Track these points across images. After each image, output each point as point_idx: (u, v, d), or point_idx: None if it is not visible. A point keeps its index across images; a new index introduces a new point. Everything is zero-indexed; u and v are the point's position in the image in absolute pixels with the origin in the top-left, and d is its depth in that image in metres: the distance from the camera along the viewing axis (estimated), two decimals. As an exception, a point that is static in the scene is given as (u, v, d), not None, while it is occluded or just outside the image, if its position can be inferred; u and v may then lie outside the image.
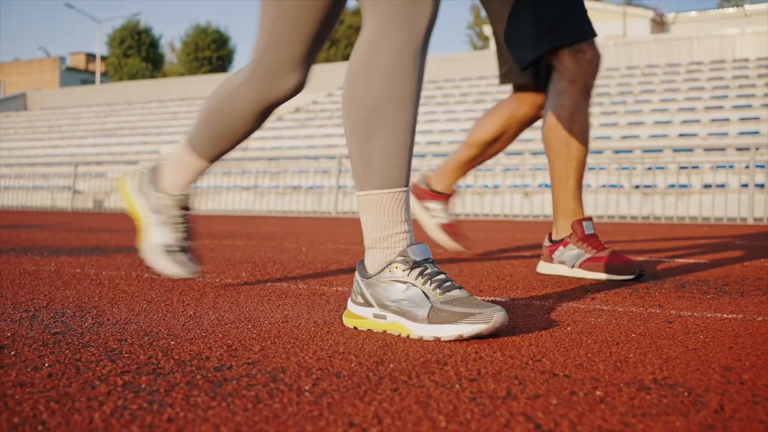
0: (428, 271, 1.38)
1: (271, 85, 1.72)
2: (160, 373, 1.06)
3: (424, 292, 1.36)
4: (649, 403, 0.93)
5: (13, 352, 1.19)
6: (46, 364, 1.11)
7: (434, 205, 2.95)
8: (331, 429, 0.82)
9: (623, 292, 2.01)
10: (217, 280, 2.22)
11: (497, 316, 1.31)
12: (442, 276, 1.39)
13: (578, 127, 2.42)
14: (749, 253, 3.52)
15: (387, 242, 1.42)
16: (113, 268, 2.55)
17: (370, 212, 1.42)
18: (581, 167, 2.46)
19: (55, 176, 18.14)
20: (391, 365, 1.13)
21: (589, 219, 2.45)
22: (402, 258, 1.39)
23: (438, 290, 1.36)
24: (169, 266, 1.89)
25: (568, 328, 1.45)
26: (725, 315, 1.63)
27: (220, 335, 1.35)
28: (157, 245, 1.91)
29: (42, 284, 2.06)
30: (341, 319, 1.54)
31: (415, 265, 1.39)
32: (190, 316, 1.56)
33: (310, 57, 1.70)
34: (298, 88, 1.74)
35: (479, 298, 1.67)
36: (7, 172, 19.36)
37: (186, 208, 1.94)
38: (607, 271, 2.30)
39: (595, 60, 2.42)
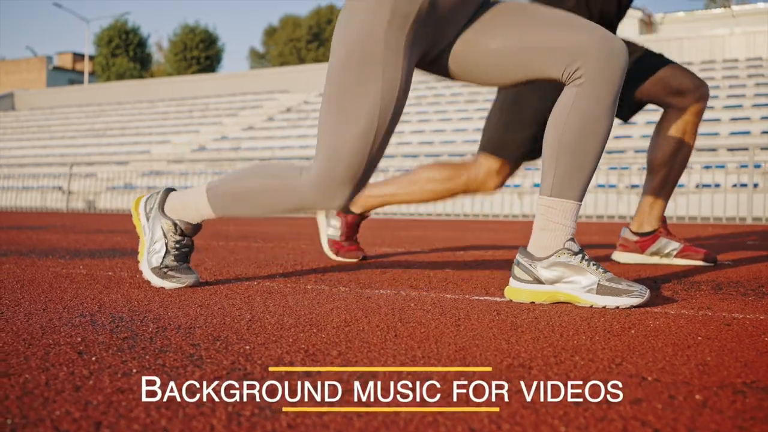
0: (587, 257, 1.79)
1: (326, 198, 1.87)
2: (252, 379, 1.07)
3: (589, 272, 1.75)
4: (752, 407, 0.94)
5: (93, 358, 1.19)
6: (134, 370, 1.11)
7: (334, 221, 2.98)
8: (454, 434, 0.83)
9: (662, 295, 2.03)
10: (255, 283, 2.22)
11: (648, 293, 1.74)
12: (595, 261, 1.80)
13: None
14: None
15: (557, 227, 1.79)
16: (144, 271, 2.53)
17: (556, 205, 1.79)
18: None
19: (45, 176, 18.03)
20: (477, 369, 1.14)
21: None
22: (567, 247, 1.78)
23: (600, 270, 1.77)
24: (160, 282, 2.05)
25: (632, 332, 1.46)
26: (778, 317, 1.65)
27: (291, 339, 1.36)
28: (152, 267, 2.05)
29: (82, 288, 2.06)
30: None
31: (579, 252, 1.79)
32: (249, 320, 1.56)
33: (368, 172, 1.85)
34: (344, 206, 1.92)
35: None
36: (-3, 173, 19.23)
37: (185, 234, 2.06)
38: (704, 259, 2.83)
39: None
